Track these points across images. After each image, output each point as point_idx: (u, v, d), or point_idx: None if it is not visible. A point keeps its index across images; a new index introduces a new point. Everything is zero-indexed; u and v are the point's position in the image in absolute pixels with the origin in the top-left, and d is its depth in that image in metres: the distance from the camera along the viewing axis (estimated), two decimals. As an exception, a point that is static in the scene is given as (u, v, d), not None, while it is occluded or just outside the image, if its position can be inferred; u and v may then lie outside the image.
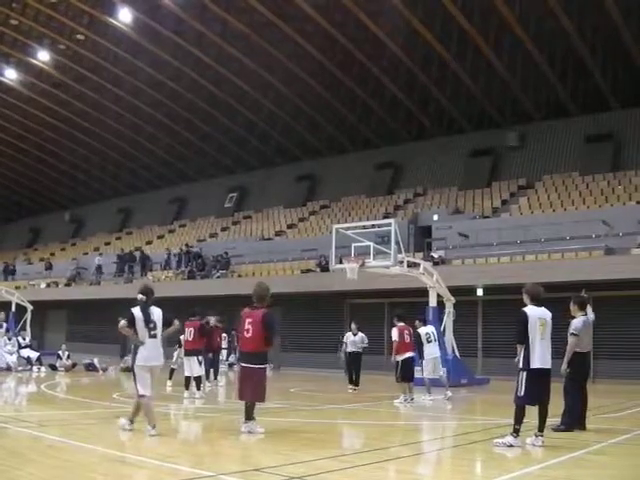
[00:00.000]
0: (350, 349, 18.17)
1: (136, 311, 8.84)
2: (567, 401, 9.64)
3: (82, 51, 33.40)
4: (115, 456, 7.21)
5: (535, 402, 8.22)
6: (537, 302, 8.37)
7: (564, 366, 9.52)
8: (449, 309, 19.50)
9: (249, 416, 9.06)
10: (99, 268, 37.01)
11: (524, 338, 8.16)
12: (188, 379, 15.03)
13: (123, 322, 8.84)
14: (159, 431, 8.48)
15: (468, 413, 13.70)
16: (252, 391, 9.06)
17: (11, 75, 35.92)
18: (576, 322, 9.74)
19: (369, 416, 12.59)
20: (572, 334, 9.61)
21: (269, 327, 9.09)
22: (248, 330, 9.08)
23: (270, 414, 9.09)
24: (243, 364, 9.27)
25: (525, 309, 8.33)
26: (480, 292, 23.18)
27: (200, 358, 15.21)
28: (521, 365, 8.21)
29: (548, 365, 8.21)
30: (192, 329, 15.03)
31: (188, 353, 15.06)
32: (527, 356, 8.13)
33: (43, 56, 34.02)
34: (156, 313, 8.94)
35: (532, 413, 8.31)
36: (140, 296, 8.94)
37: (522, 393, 8.15)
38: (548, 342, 8.28)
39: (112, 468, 6.73)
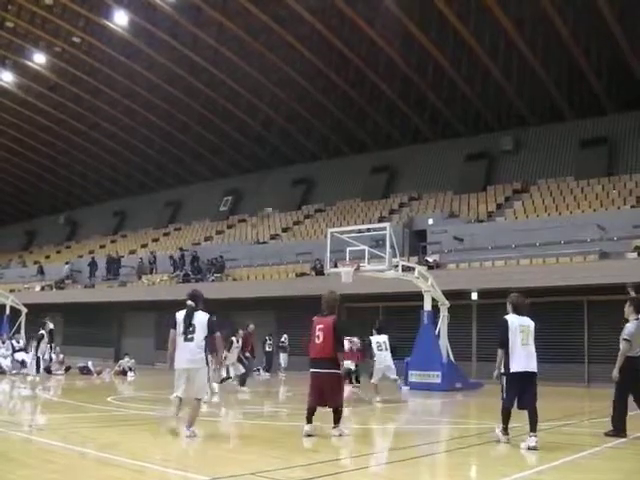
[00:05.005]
0: None
1: (179, 315, 8.99)
2: (615, 406, 9.45)
3: (78, 54, 33.42)
4: (110, 460, 7.18)
5: (518, 405, 8.45)
6: (519, 312, 8.66)
7: (615, 372, 9.47)
8: (444, 313, 19.51)
9: (338, 420, 9.23)
10: (69, 275, 37.35)
11: (505, 344, 8.48)
12: None
13: (172, 332, 8.91)
14: (193, 433, 8.62)
15: (462, 417, 13.69)
16: (332, 396, 9.18)
17: (7, 77, 35.90)
18: (629, 327, 9.57)
19: (363, 420, 12.57)
20: (624, 339, 9.46)
21: (340, 333, 9.26)
22: (319, 336, 9.22)
23: (266, 418, 9.06)
24: (315, 370, 9.29)
25: (506, 317, 8.67)
26: (475, 296, 23.20)
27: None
28: (502, 369, 8.54)
29: (531, 369, 8.45)
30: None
31: None
32: (507, 361, 8.47)
33: (39, 59, 34.07)
34: (198, 317, 8.95)
35: (523, 417, 8.37)
36: (189, 302, 9.02)
37: (505, 396, 8.50)
38: (532, 347, 8.53)
39: (106, 472, 6.70)
